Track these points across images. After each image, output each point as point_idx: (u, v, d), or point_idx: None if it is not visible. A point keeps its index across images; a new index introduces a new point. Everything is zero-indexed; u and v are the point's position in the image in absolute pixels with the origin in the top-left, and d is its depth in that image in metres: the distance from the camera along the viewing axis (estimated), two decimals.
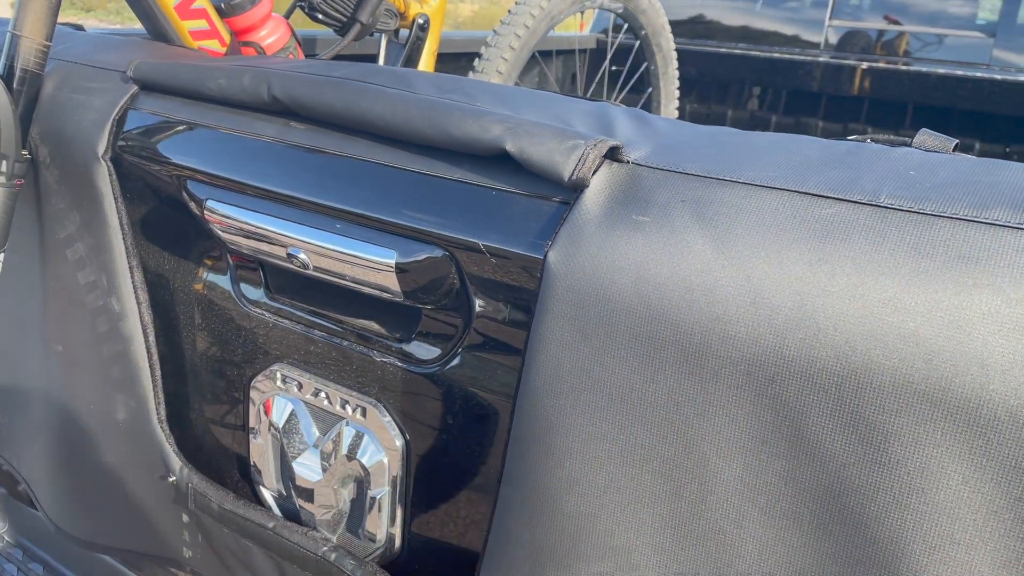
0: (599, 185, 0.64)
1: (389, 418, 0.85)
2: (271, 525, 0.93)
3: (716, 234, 0.59)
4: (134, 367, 1.00)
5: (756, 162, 0.64)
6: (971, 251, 0.53)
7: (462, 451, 0.82)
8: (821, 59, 2.76)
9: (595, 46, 2.79)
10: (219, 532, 0.98)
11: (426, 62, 1.59)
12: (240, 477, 1.02)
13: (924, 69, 2.63)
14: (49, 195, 1.01)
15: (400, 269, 0.75)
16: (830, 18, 2.81)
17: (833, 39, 2.82)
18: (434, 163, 0.73)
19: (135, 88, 0.96)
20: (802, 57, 2.78)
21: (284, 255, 0.83)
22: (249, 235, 0.85)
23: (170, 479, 1.01)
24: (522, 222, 0.68)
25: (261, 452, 0.96)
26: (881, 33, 2.79)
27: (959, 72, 2.57)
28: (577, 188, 0.65)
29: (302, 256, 0.82)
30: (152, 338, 0.99)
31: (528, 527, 0.70)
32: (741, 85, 2.94)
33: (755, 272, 0.57)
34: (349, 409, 0.87)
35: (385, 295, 0.79)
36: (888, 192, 0.58)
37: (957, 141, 0.72)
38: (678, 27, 2.60)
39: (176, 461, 1.01)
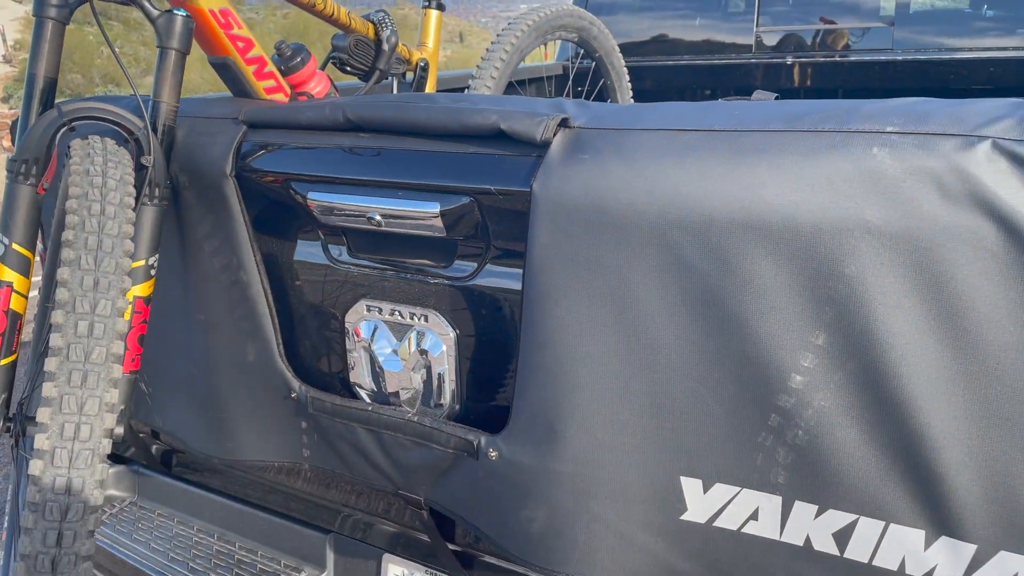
0: (558, 141, 1.10)
1: (443, 319, 1.30)
2: (371, 408, 1.37)
3: (625, 159, 1.05)
4: (259, 319, 1.45)
5: (648, 118, 1.10)
6: (761, 147, 0.99)
7: (493, 333, 1.26)
8: (752, 60, 3.24)
9: (561, 72, 3.28)
10: (332, 425, 1.42)
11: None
12: (340, 385, 1.47)
13: (839, 58, 3.11)
14: (188, 209, 1.46)
15: (442, 215, 1.21)
16: (757, 25, 3.30)
17: (762, 41, 3.30)
18: (456, 144, 1.20)
19: (244, 128, 1.42)
20: (737, 60, 3.26)
21: (365, 219, 1.28)
22: (340, 211, 1.31)
23: (292, 395, 1.46)
24: (515, 172, 1.14)
25: (357, 362, 1.41)
26: (800, 32, 3.27)
27: (867, 57, 3.05)
28: (545, 145, 1.11)
29: (377, 217, 1.27)
30: (270, 297, 1.44)
31: (536, 381, 1.14)
32: (693, 91, 3.42)
33: (650, 176, 1.02)
34: (415, 318, 1.32)
35: (433, 235, 1.25)
36: (719, 123, 1.03)
37: (777, 95, 1.18)
38: (635, 48, 3.08)
39: (295, 382, 1.45)
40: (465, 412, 1.34)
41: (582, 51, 2.63)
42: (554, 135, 1.11)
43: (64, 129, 1.35)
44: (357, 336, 1.40)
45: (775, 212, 0.96)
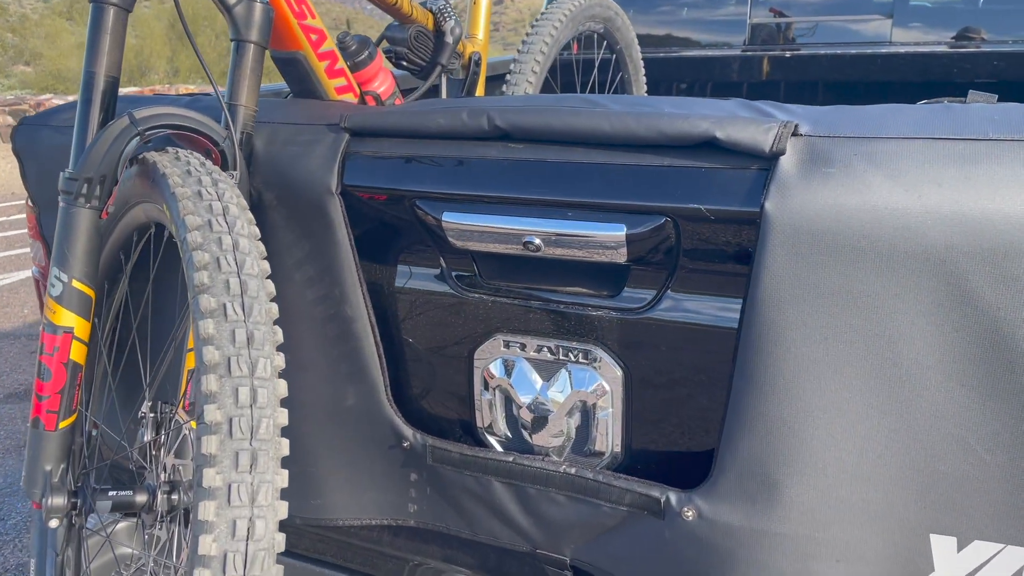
0: (792, 153, 0.94)
1: (608, 355, 1.12)
2: (511, 459, 1.18)
3: (887, 172, 0.90)
4: (364, 358, 1.24)
5: (887, 123, 0.95)
6: None
7: (678, 373, 1.10)
8: (748, 52, 3.16)
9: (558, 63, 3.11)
10: (457, 477, 1.23)
11: (480, 90, 1.86)
12: (462, 432, 1.27)
13: (839, 52, 3.05)
14: (275, 232, 1.24)
15: (630, 239, 1.03)
16: (750, 17, 3.21)
17: (755, 34, 3.22)
18: (650, 156, 1.02)
19: (347, 136, 1.20)
20: (730, 53, 3.17)
21: (520, 244, 1.09)
22: (485, 234, 1.11)
23: (403, 444, 1.25)
24: (733, 187, 0.97)
25: (489, 405, 1.21)
26: (793, 24, 3.21)
27: (868, 51, 3.00)
28: (775, 156, 0.95)
29: (536, 241, 1.08)
30: (378, 333, 1.23)
31: (754, 430, 0.98)
32: (691, 83, 3.31)
33: (926, 194, 0.87)
34: (570, 355, 1.14)
35: (609, 260, 1.07)
36: (992, 130, 0.90)
37: (997, 96, 1.06)
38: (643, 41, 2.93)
39: (407, 429, 1.25)
40: (633, 463, 1.17)
41: (604, 43, 2.48)
42: (786, 145, 0.95)
43: (136, 141, 1.11)
44: (489, 376, 1.21)
45: None
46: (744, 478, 1.02)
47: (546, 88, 2.86)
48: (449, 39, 1.63)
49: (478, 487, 1.23)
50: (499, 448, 1.24)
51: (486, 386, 1.21)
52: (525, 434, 1.21)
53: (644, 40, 3.29)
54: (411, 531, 1.37)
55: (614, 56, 2.52)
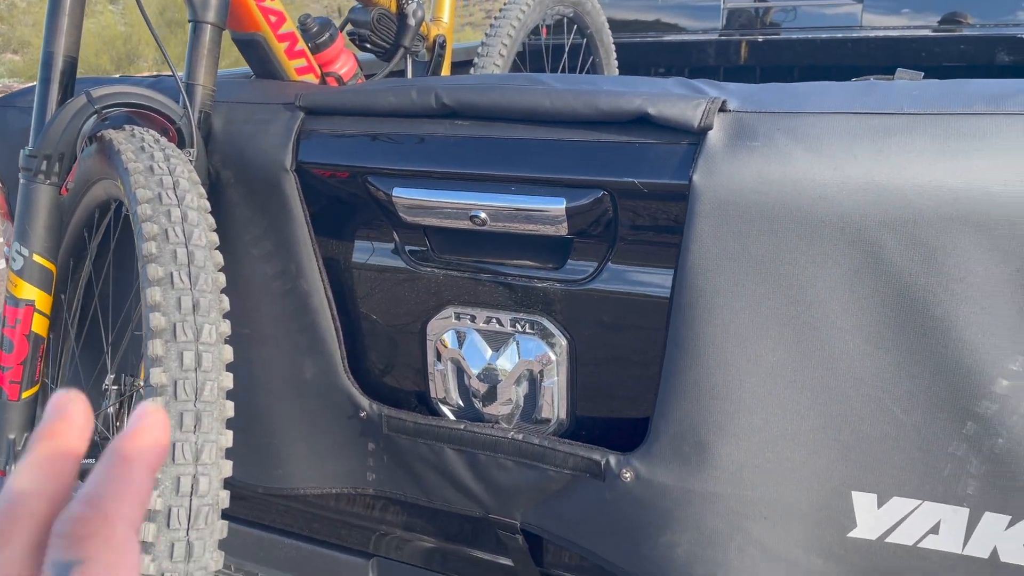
0: (718, 126, 0.98)
1: (554, 326, 1.16)
2: (462, 427, 1.22)
3: (808, 145, 0.94)
4: (321, 332, 1.28)
5: (812, 99, 0.99)
6: (972, 131, 0.90)
7: (618, 341, 1.14)
8: (723, 37, 3.19)
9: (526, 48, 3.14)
10: (412, 446, 1.27)
11: (445, 72, 1.90)
12: (416, 402, 1.31)
13: (810, 36, 3.09)
14: (232, 209, 1.27)
15: (569, 212, 1.07)
16: (725, 2, 3.24)
17: (731, 18, 3.25)
18: (588, 132, 1.06)
19: (302, 115, 1.24)
20: (705, 37, 3.20)
21: (467, 218, 1.13)
22: (435, 209, 1.15)
23: (360, 415, 1.29)
24: (665, 161, 1.01)
25: (442, 376, 1.25)
26: (769, 9, 3.24)
27: (839, 35, 3.04)
28: (703, 131, 0.99)
29: (482, 215, 1.12)
30: (335, 307, 1.27)
31: (686, 394, 1.02)
32: (668, 68, 3.34)
33: (842, 165, 0.92)
34: (518, 326, 1.18)
35: (549, 234, 1.11)
36: (907, 105, 0.94)
37: (923, 73, 1.10)
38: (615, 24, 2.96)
39: (364, 400, 1.29)
40: (577, 429, 1.21)
41: (574, 27, 2.51)
42: (713, 120, 0.99)
43: (92, 119, 1.14)
44: (442, 347, 1.25)
45: (994, 203, 0.87)
46: (677, 440, 1.06)
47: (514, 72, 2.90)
48: (411, 21, 1.67)
49: (432, 455, 1.27)
50: (452, 417, 1.28)
51: (439, 357, 1.25)
52: (476, 403, 1.25)
53: (620, 25, 3.32)
54: (371, 499, 1.42)
55: (584, 41, 2.55)
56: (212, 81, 1.27)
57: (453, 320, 1.23)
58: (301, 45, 1.45)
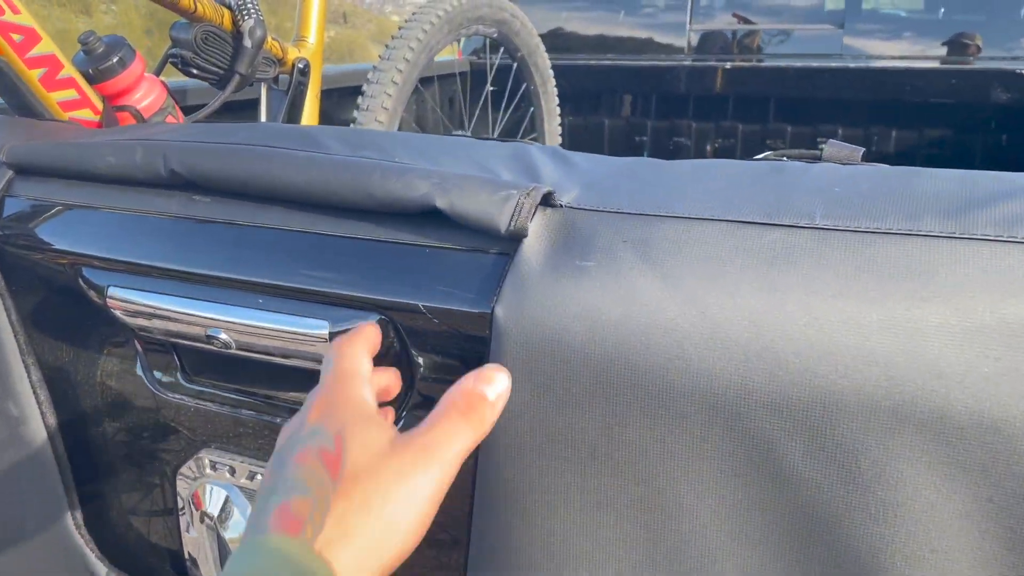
0: (537, 233, 0.63)
1: None
2: None
3: (663, 272, 0.58)
4: (43, 471, 0.92)
5: (685, 193, 0.64)
6: (911, 264, 0.54)
7: None
8: (686, 63, 2.85)
9: (470, 68, 2.79)
10: None
11: (311, 105, 1.54)
12: (174, 572, 0.96)
13: (783, 64, 2.75)
14: None
15: (334, 338, 0.72)
16: (690, 23, 2.90)
17: (696, 43, 2.91)
18: (359, 225, 0.70)
19: (10, 173, 0.88)
20: (668, 63, 2.86)
21: (203, 337, 0.78)
22: (161, 319, 0.80)
23: None
24: (462, 278, 0.66)
25: (196, 544, 0.90)
26: (735, 33, 2.90)
27: (815, 64, 2.70)
28: (516, 238, 0.63)
29: (223, 336, 0.77)
30: (59, 440, 0.92)
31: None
32: (612, 94, 3.00)
33: (708, 307, 0.56)
34: None
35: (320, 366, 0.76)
36: (821, 212, 0.59)
37: (863, 149, 0.74)
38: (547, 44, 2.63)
39: (101, 567, 0.94)
40: None
41: (501, 49, 2.16)
42: (530, 221, 0.63)
43: None
44: (195, 504, 0.89)
45: (948, 389, 0.52)
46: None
47: (420, 104, 2.55)
48: (247, 42, 1.31)
49: None
50: None
51: (192, 517, 0.90)
52: None
53: (569, 45, 2.98)
54: None
55: (515, 64, 2.21)
56: None
57: (208, 470, 0.87)
58: (67, 72, 1.09)
